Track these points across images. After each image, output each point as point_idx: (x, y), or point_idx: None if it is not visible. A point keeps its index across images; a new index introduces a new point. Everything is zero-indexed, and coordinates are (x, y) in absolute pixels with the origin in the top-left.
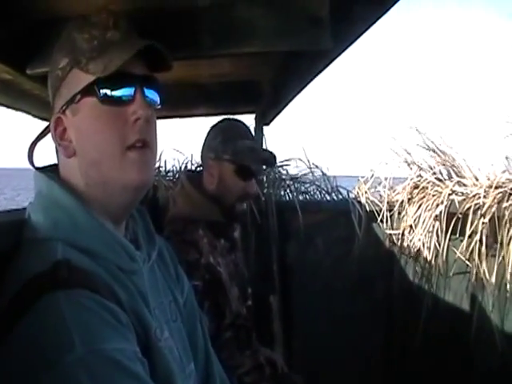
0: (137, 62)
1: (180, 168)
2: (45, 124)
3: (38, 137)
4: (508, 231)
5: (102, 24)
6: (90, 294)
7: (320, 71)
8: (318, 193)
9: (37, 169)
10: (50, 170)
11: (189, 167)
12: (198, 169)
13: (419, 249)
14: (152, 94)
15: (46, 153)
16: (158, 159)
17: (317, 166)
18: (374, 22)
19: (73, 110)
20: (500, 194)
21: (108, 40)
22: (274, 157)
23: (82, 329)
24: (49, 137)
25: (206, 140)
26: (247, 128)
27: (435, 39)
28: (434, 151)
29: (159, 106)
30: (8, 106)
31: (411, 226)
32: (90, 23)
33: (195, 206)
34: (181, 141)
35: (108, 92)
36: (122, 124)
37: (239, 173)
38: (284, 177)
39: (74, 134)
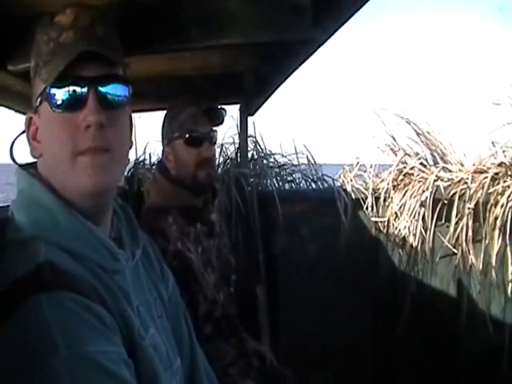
0: (91, 63)
1: None
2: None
3: (21, 133)
4: (493, 216)
5: (61, 24)
6: (74, 296)
7: (304, 60)
8: (303, 181)
9: (19, 165)
10: (33, 167)
11: None
12: None
13: (405, 236)
14: (114, 90)
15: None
16: (142, 153)
17: (307, 149)
18: (358, 10)
19: (38, 111)
20: (485, 179)
21: (61, 43)
22: (219, 112)
23: (66, 332)
24: None
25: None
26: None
27: (423, 25)
28: (420, 136)
29: (127, 101)
30: None
31: (397, 213)
32: (51, 23)
33: (166, 195)
34: None
35: (58, 98)
36: (73, 130)
37: (189, 143)
38: (270, 165)
39: (41, 136)
